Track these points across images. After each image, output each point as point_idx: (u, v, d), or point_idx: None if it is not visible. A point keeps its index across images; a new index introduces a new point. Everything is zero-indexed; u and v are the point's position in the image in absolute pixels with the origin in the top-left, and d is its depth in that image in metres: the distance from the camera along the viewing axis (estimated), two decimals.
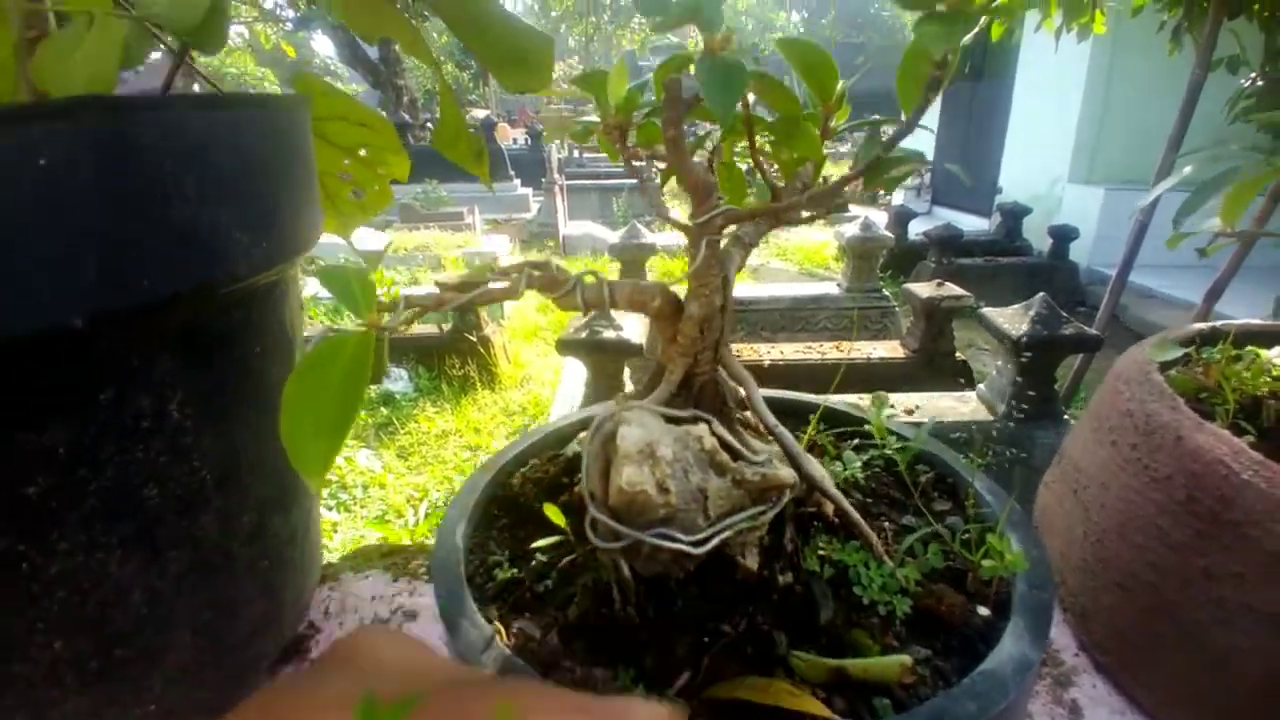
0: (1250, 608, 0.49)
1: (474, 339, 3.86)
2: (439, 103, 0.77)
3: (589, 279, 0.41)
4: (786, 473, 0.39)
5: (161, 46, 0.59)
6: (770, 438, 0.47)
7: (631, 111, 0.40)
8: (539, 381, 4.08)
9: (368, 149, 0.83)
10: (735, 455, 0.40)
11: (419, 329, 4.11)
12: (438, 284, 0.48)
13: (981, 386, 2.79)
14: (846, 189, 0.40)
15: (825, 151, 0.42)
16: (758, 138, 0.44)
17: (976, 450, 2.37)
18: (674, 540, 0.36)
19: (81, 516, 0.38)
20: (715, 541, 0.37)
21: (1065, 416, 2.65)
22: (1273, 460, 0.50)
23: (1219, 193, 0.68)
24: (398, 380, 3.89)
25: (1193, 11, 2.50)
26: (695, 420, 0.41)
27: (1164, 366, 0.62)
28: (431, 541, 1.83)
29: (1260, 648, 0.49)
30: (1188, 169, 0.74)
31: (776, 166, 0.44)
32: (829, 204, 0.39)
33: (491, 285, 0.38)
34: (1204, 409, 0.60)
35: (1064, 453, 0.69)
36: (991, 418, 2.61)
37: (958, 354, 3.44)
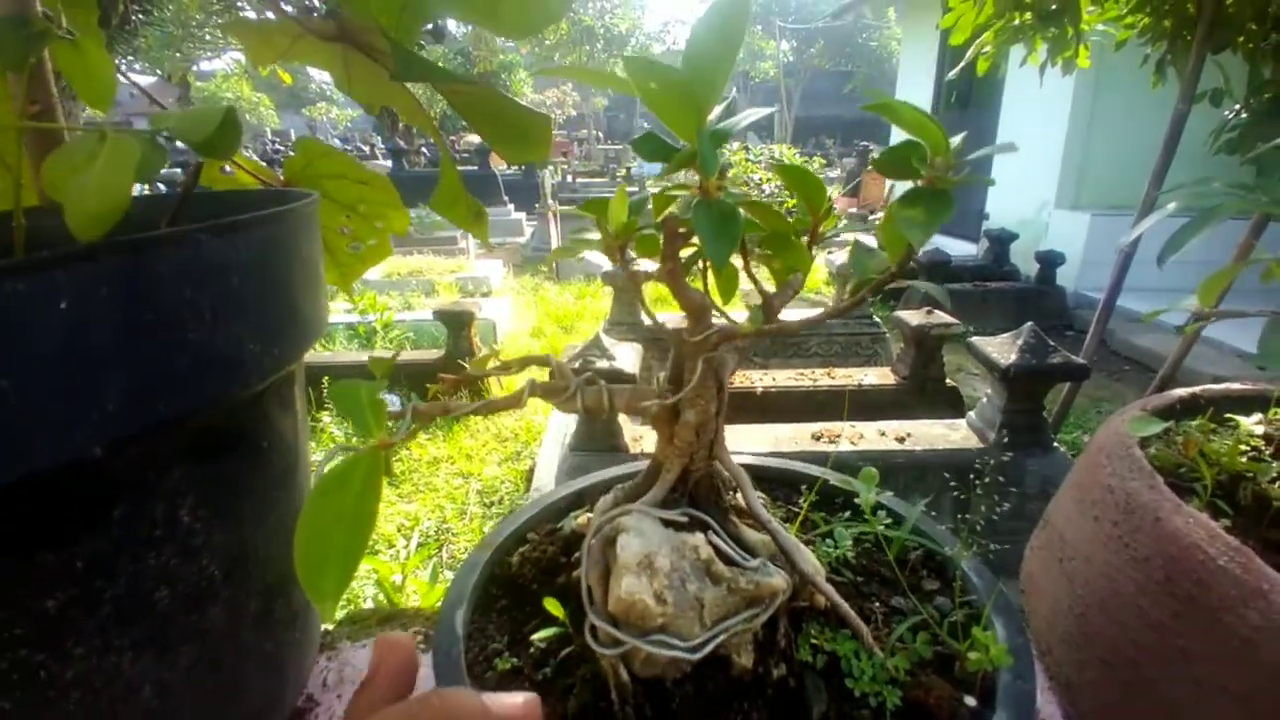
0: (1225, 689, 0.51)
1: (467, 365, 3.87)
2: (439, 162, 0.79)
3: (590, 385, 0.42)
4: (779, 580, 0.41)
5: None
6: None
7: (630, 234, 0.42)
8: (532, 407, 4.08)
9: (366, 204, 0.86)
10: (729, 561, 0.42)
11: (412, 355, 4.11)
12: (440, 378, 0.50)
13: (971, 414, 2.82)
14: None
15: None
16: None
17: (966, 480, 2.39)
18: (671, 647, 0.38)
19: (97, 624, 0.39)
20: (710, 647, 0.39)
21: (1054, 444, 2.68)
22: (1248, 540, 0.52)
23: (1202, 231, 0.70)
24: (389, 406, 3.88)
25: (1176, 45, 2.55)
26: (692, 527, 0.43)
27: (1144, 441, 0.64)
28: (425, 573, 1.80)
29: None
30: (1171, 205, 0.76)
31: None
32: (819, 322, 0.41)
33: (496, 398, 0.40)
34: (1183, 485, 0.62)
35: (1049, 519, 0.71)
36: (982, 445, 2.63)
37: (948, 380, 3.47)
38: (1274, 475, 0.61)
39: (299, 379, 0.59)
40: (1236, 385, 0.80)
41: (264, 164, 0.85)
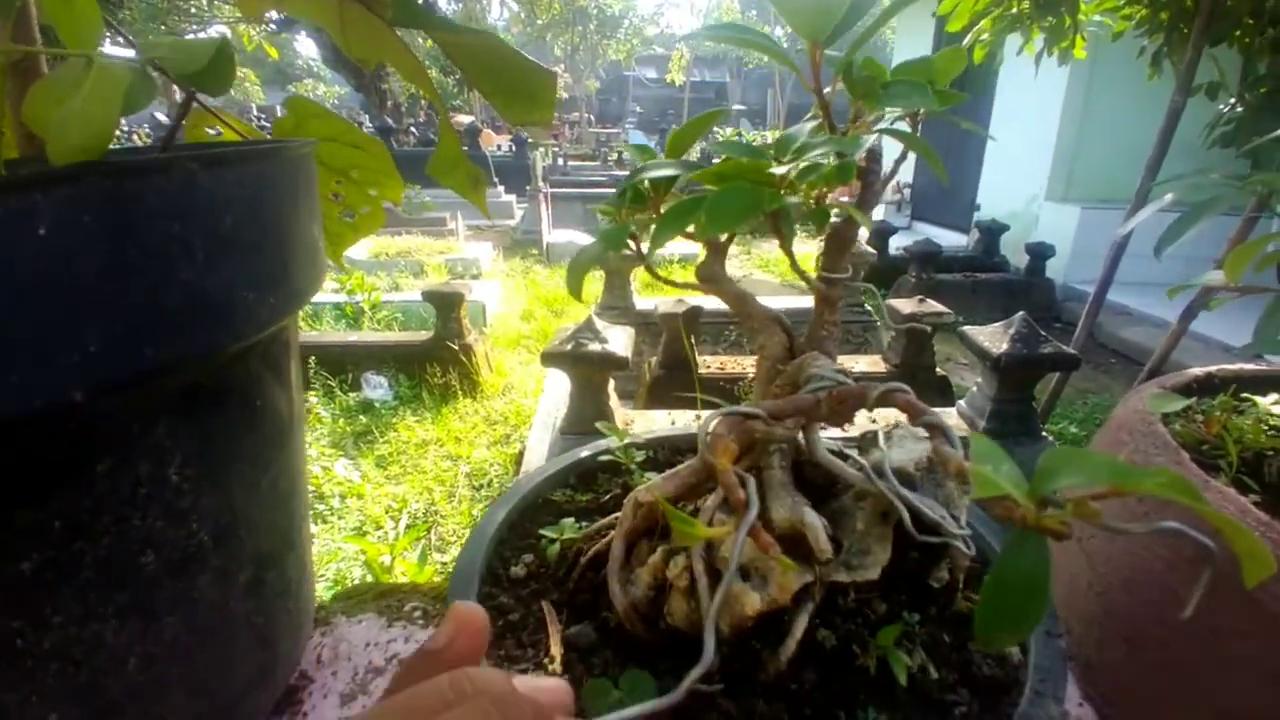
0: (1256, 667, 0.49)
1: (456, 347, 3.81)
2: (438, 129, 0.76)
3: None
4: None
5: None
6: None
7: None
8: (521, 390, 4.05)
9: (360, 170, 0.82)
10: None
11: (400, 336, 4.06)
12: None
13: (962, 403, 2.81)
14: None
15: None
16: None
17: None
18: None
19: (76, 589, 0.37)
20: None
21: (1043, 433, 2.68)
22: (1278, 516, 0.50)
23: (1200, 221, 0.68)
24: (377, 388, 3.83)
25: (1173, 38, 2.54)
26: None
27: (1166, 418, 0.63)
28: (413, 555, 1.76)
29: (1266, 706, 0.50)
30: (1168, 196, 0.75)
31: None
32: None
33: None
34: (1207, 462, 0.60)
35: None
36: (972, 433, 2.63)
37: (938, 369, 3.47)
38: None
39: (293, 343, 0.56)
40: (1250, 366, 0.78)
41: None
